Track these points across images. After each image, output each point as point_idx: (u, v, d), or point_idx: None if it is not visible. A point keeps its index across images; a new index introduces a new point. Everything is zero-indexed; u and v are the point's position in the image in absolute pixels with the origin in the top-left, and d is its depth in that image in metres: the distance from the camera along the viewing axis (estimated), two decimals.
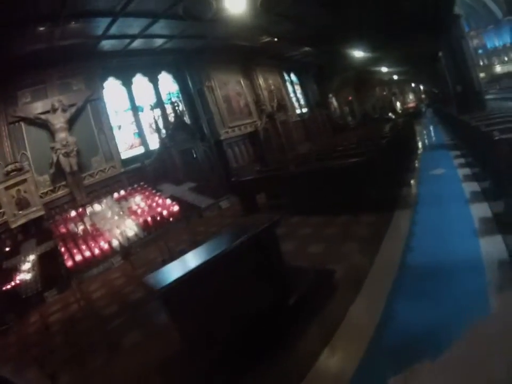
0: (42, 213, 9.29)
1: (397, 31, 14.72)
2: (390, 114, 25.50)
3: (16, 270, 6.13)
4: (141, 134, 13.22)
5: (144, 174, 11.60)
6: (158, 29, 10.88)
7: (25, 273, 5.86)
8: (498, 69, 50.79)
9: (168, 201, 8.23)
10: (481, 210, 4.57)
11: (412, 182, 7.54)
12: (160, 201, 8.45)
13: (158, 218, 6.96)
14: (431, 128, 18.50)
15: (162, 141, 12.78)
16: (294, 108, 20.82)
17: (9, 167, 9.09)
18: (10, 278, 6.07)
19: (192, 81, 14.59)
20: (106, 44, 10.93)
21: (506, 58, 49.78)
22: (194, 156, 13.36)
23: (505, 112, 10.05)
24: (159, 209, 7.68)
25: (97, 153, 11.28)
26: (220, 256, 3.03)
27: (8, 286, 5.97)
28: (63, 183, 10.32)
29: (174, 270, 3.14)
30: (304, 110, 21.95)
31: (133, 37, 10.99)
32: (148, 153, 12.80)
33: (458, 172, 7.15)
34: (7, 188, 8.95)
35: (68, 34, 9.14)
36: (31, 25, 8.15)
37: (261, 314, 3.16)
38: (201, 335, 2.95)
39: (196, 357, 3.00)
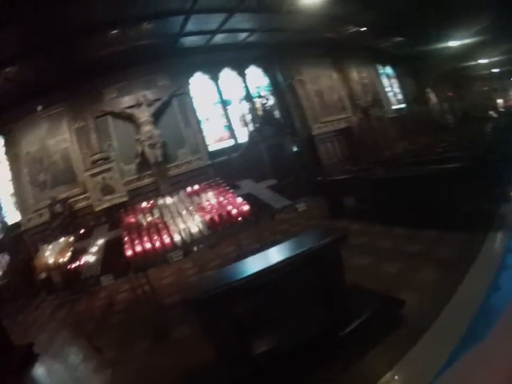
0: (125, 199, 9.95)
1: None
2: (491, 112, 22.34)
3: (84, 251, 6.43)
4: (230, 127, 13.29)
5: (231, 167, 11.58)
6: (236, 23, 10.75)
7: (90, 255, 6.09)
8: None
9: (240, 199, 7.95)
10: None
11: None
12: (231, 198, 8.24)
13: (226, 217, 6.71)
14: None
15: (250, 134, 12.66)
16: (390, 103, 19.14)
17: (96, 157, 9.79)
18: (77, 258, 6.44)
19: (282, 75, 14.27)
20: (186, 41, 11.16)
21: None
22: (284, 151, 12.96)
23: None
24: (229, 208, 7.45)
25: (183, 145, 11.71)
26: (264, 271, 2.80)
27: (73, 266, 6.39)
28: (148, 172, 10.81)
29: (216, 279, 3.09)
30: (402, 106, 20.07)
31: (212, 32, 11.06)
32: (237, 146, 12.86)
33: None
34: (93, 175, 9.68)
35: (142, 35, 9.58)
36: (105, 29, 8.72)
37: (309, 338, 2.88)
38: (234, 350, 2.81)
39: (224, 371, 2.89)
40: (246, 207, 7.33)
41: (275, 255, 3.17)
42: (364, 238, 5.87)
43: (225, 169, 11.35)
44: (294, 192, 10.34)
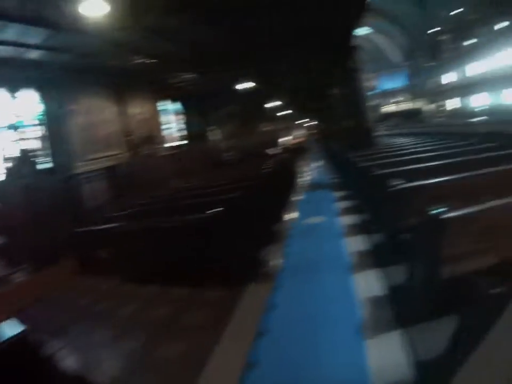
0: None
1: (293, 54, 13.84)
2: (275, 149, 24.88)
3: None
4: None
5: None
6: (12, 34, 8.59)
7: None
8: (387, 108, 58.01)
9: None
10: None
11: (282, 236, 5.83)
12: None
13: None
14: (318, 164, 17.40)
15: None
16: (170, 139, 19.14)
17: None
18: None
19: (55, 102, 11.97)
20: None
21: (397, 100, 57.48)
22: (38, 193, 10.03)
23: (391, 149, 9.75)
24: None
25: None
26: None
27: None
28: None
29: None
30: (183, 143, 20.28)
31: None
32: None
33: (341, 221, 5.98)
34: None
35: None
36: None
37: None
38: None
39: None
40: None
41: None
42: (104, 303, 4.58)
43: None
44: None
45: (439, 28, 44.33)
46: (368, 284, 3.56)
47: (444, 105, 48.14)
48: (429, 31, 46.73)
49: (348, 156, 8.70)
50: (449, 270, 2.60)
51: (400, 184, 3.82)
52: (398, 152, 8.42)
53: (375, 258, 4.15)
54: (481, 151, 6.68)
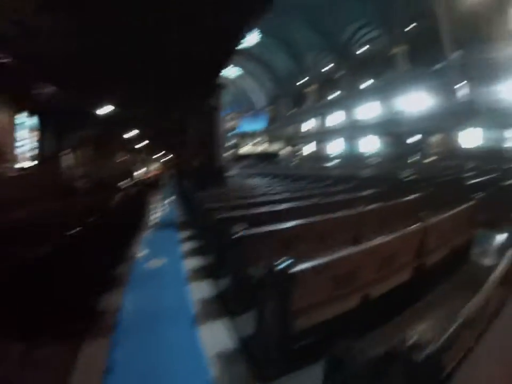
0: None
1: (154, 85, 13.35)
2: (128, 181, 23.98)
3: None
4: None
5: None
6: None
7: None
8: (245, 149, 60.48)
9: None
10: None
11: (121, 282, 5.19)
12: None
13: None
14: (169, 201, 17.20)
15: None
16: (24, 159, 17.08)
17: None
18: None
19: None
20: None
21: (253, 142, 60.38)
22: None
23: (241, 191, 10.11)
24: None
25: None
26: None
27: None
28: None
29: None
30: (33, 163, 17.94)
31: None
32: None
33: (185, 264, 5.80)
34: None
35: None
36: None
37: None
38: None
39: None
40: None
41: None
42: None
43: None
44: None
45: (306, 80, 49.50)
46: (216, 336, 3.41)
47: (300, 150, 53.11)
48: (298, 83, 51.73)
49: (196, 195, 8.73)
50: (299, 320, 2.58)
51: (242, 229, 3.75)
52: (248, 194, 8.85)
53: (222, 306, 4.01)
54: (329, 194, 7.48)
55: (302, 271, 2.41)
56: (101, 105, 16.09)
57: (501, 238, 4.69)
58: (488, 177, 10.77)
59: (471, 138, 26.52)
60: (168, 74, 12.10)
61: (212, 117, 14.00)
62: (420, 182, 10.16)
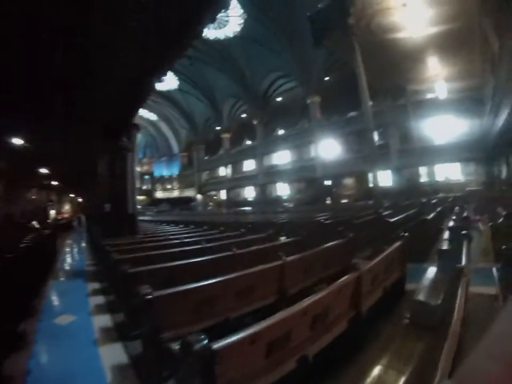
0: None
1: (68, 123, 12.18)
2: (38, 223, 21.93)
3: None
4: None
5: None
6: None
7: None
8: (160, 194, 59.28)
9: None
10: None
11: (27, 342, 4.36)
12: None
13: None
14: (79, 246, 15.70)
15: None
16: None
17: None
18: None
19: None
20: None
21: (169, 186, 59.42)
22: None
23: (155, 239, 9.52)
24: None
25: None
26: None
27: None
28: None
29: None
30: None
31: None
32: None
33: (95, 322, 5.00)
34: None
35: None
36: None
37: None
38: None
39: None
40: None
41: None
42: None
43: None
44: None
45: (222, 127, 50.32)
46: None
47: (217, 195, 53.29)
48: (214, 129, 52.46)
49: (106, 243, 8.07)
50: None
51: (153, 290, 3.29)
52: (162, 244, 8.29)
53: (135, 375, 3.42)
54: (248, 243, 7.21)
55: (226, 347, 2.04)
56: (9, 138, 14.47)
57: (431, 269, 4.93)
58: (408, 213, 11.47)
59: (385, 178, 28.77)
60: (78, 110, 11.32)
61: (125, 158, 13.15)
62: (340, 224, 10.35)
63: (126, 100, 10.83)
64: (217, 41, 37.05)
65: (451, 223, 9.85)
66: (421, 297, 3.51)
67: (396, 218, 9.47)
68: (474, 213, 12.02)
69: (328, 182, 35.09)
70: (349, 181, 35.69)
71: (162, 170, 62.55)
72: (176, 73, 42.26)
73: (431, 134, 29.45)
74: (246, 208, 40.47)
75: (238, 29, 36.06)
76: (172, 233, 11.84)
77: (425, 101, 29.09)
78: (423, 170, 29.53)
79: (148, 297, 3.09)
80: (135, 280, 4.13)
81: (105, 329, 4.74)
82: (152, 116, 56.18)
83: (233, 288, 3.84)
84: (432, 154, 27.69)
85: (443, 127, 29.06)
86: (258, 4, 31.17)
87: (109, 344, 4.25)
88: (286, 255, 4.62)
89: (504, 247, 4.63)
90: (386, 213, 12.62)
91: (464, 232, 5.51)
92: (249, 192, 47.49)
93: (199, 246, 6.93)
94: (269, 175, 43.17)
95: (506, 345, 0.46)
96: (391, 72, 23.29)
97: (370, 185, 31.26)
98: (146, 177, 61.03)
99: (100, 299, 6.27)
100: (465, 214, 10.65)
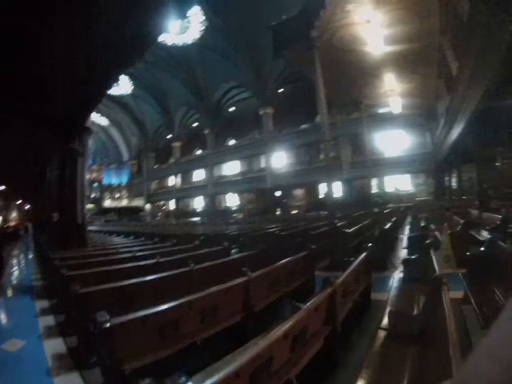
0: None
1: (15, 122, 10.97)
2: None
3: None
4: None
5: None
6: None
7: None
8: (108, 203, 56.82)
9: None
10: None
11: None
12: None
13: None
14: (26, 258, 14.17)
15: None
16: None
17: None
18: None
19: None
20: None
21: (117, 195, 57.09)
22: None
23: (105, 252, 9.27)
24: None
25: None
26: None
27: None
28: None
29: None
30: None
31: None
32: None
33: (46, 347, 4.40)
34: None
35: None
36: None
37: None
38: None
39: None
40: None
41: None
42: None
43: None
44: None
45: (174, 135, 49.41)
46: None
47: (166, 205, 52.06)
48: (166, 137, 51.36)
49: (54, 256, 7.56)
50: None
51: (110, 318, 2.87)
52: (113, 258, 7.89)
53: None
54: (202, 258, 6.85)
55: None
56: None
57: (397, 278, 5.02)
58: (364, 222, 11.62)
59: (335, 189, 29.49)
60: (25, 105, 10.32)
61: (76, 163, 12.24)
62: (296, 235, 10.26)
63: (79, 96, 10.15)
64: (175, 47, 36.50)
65: (409, 233, 10.14)
66: (395, 307, 3.50)
67: (352, 229, 9.54)
68: (427, 222, 12.45)
69: (278, 193, 35.29)
70: (299, 192, 36.17)
71: (111, 178, 60.36)
72: (131, 77, 41.05)
73: (383, 146, 30.63)
74: (195, 218, 39.92)
75: (197, 36, 35.71)
76: (123, 245, 11.31)
77: (379, 115, 30.29)
78: (373, 182, 30.41)
79: (105, 325, 2.72)
80: (87, 302, 3.84)
81: (58, 356, 4.19)
82: (103, 121, 54.14)
83: (197, 309, 3.58)
84: (383, 166, 28.74)
85: (395, 140, 30.39)
86: (220, 13, 31.16)
87: (64, 374, 3.74)
88: (249, 270, 4.40)
89: (468, 253, 4.94)
90: (341, 223, 12.76)
91: (429, 240, 5.68)
92: (199, 203, 46.87)
93: (154, 261, 6.53)
94: (219, 186, 42.98)
95: (507, 345, 0.44)
96: (348, 86, 23.92)
97: (321, 196, 31.98)
98: (95, 184, 58.65)
99: (50, 319, 5.64)
100: (422, 224, 11.01)
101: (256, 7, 28.85)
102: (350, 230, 9.30)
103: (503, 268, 4.00)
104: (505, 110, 10.09)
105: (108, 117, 51.99)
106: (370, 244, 5.61)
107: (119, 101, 46.51)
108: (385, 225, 9.84)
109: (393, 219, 12.07)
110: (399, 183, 29.83)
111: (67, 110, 10.77)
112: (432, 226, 9.37)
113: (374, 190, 30.47)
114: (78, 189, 12.27)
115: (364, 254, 5.05)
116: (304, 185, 34.60)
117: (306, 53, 18.50)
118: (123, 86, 42.71)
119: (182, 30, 34.77)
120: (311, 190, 34.16)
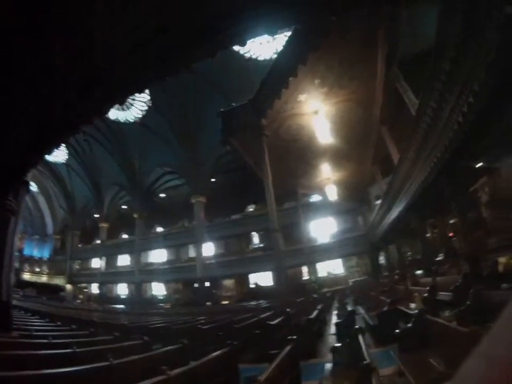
0: None
1: None
2: None
3: None
4: None
5: None
6: None
7: None
8: (27, 276, 51.12)
9: None
10: None
11: None
12: None
13: None
14: None
15: None
16: None
17: None
18: None
19: None
20: None
21: (38, 269, 51.72)
22: None
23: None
24: None
25: None
26: None
27: None
28: None
29: None
30: None
31: None
32: None
33: None
34: None
35: None
36: None
37: None
38: None
39: None
40: None
41: None
42: None
43: None
44: None
45: (101, 215, 47.18)
46: None
47: (86, 288, 48.22)
48: (92, 216, 48.87)
49: None
50: None
51: None
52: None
53: None
54: (122, 352, 6.32)
55: None
56: None
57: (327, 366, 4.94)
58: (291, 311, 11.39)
59: (267, 278, 29.72)
60: None
61: (8, 223, 9.78)
62: (219, 329, 9.73)
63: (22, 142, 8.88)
64: (116, 123, 36.52)
65: (336, 318, 10.14)
66: None
67: (276, 321, 9.41)
68: (355, 304, 12.57)
69: (207, 284, 34.31)
70: (229, 282, 35.59)
71: (33, 250, 55.28)
72: (68, 146, 39.33)
73: (316, 233, 31.72)
74: (119, 306, 37.17)
75: (139, 115, 36.14)
76: (39, 328, 10.03)
77: (312, 204, 31.96)
78: (306, 268, 30.79)
79: None
80: None
81: None
82: (33, 186, 50.79)
83: None
84: (316, 253, 29.32)
85: (328, 226, 31.81)
86: (165, 96, 31.31)
87: None
88: (169, 368, 3.98)
89: (397, 331, 5.17)
90: (265, 315, 12.46)
91: (357, 327, 5.71)
92: (123, 289, 44.14)
93: (70, 350, 5.84)
94: (145, 273, 40.77)
95: (507, 347, 0.45)
96: (287, 177, 24.57)
97: (252, 285, 31.71)
98: (16, 253, 53.07)
99: None
100: (349, 308, 11.09)
101: (205, 93, 30.01)
102: (274, 322, 9.17)
103: (432, 339, 4.11)
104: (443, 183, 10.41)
105: (37, 183, 48.74)
106: (295, 336, 5.53)
107: (51, 168, 44.29)
108: (311, 314, 9.78)
109: (319, 307, 12.05)
110: (332, 267, 30.43)
111: (5, 154, 9.04)
112: (360, 309, 9.48)
113: (307, 276, 30.67)
114: (7, 256, 9.67)
115: (288, 347, 4.92)
116: (235, 276, 34.13)
117: (253, 141, 18.93)
118: (59, 153, 41.08)
119: (127, 106, 34.88)
120: (242, 280, 33.82)
